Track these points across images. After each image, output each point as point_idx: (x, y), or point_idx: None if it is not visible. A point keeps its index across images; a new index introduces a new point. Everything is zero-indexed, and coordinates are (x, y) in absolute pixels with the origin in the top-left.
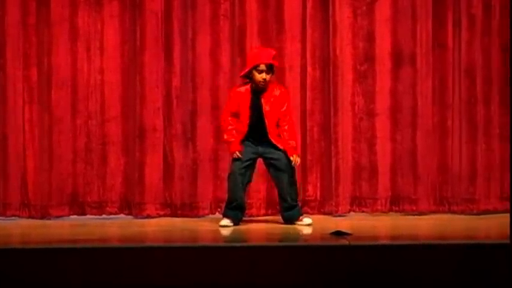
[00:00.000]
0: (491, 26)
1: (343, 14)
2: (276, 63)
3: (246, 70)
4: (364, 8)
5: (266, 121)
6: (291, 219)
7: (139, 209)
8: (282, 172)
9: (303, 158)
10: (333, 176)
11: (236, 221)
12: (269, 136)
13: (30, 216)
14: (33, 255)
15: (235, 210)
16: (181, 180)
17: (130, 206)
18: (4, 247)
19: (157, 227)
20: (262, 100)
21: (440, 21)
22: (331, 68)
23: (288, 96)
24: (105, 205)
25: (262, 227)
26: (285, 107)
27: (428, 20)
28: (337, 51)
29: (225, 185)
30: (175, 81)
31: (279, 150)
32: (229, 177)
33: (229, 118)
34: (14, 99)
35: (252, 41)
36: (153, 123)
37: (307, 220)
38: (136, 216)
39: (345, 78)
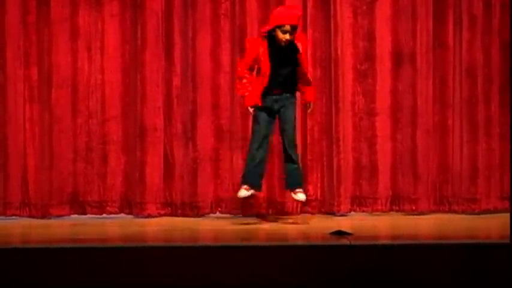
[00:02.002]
0: (491, 25)
1: (343, 14)
2: (300, 24)
3: (270, 28)
4: (365, 7)
5: (288, 68)
6: (288, 185)
7: (140, 209)
8: (284, 125)
9: (304, 157)
10: (334, 175)
11: (257, 187)
12: (297, 80)
13: (31, 216)
14: (34, 254)
15: (255, 175)
16: (182, 179)
17: (131, 205)
18: (4, 246)
19: (157, 227)
20: (297, 44)
21: (440, 21)
22: (332, 67)
23: (306, 41)
24: (106, 204)
25: (263, 227)
26: (302, 53)
27: (429, 19)
28: (338, 51)
29: (226, 184)
30: (176, 81)
31: (290, 102)
32: (254, 139)
33: (246, 71)
34: (14, 99)
35: None
36: (154, 123)
37: (301, 196)
38: (136, 216)
39: (346, 77)
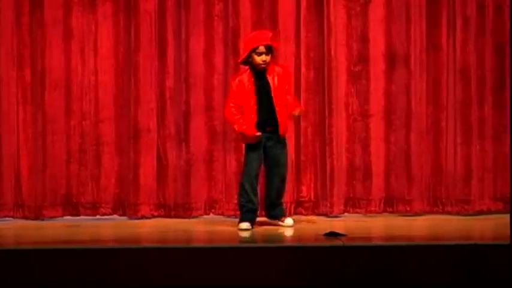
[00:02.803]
0: (485, 26)
1: (337, 15)
2: (274, 44)
3: (245, 55)
4: (358, 9)
5: (274, 100)
6: (274, 218)
7: (133, 210)
8: (277, 168)
9: (297, 158)
10: (327, 176)
11: (253, 224)
12: (277, 115)
13: (24, 217)
14: (27, 256)
15: (252, 212)
16: (175, 181)
17: (124, 206)
18: None
19: (151, 228)
20: (268, 80)
21: (434, 22)
22: (325, 69)
23: (290, 73)
24: (99, 206)
25: (257, 228)
26: (288, 85)
27: (422, 21)
28: (332, 52)
29: (219, 186)
30: (169, 82)
31: (282, 144)
32: (244, 178)
33: (234, 109)
34: (7, 100)
35: None
36: (147, 124)
37: (288, 221)
38: (130, 217)
39: (339, 79)
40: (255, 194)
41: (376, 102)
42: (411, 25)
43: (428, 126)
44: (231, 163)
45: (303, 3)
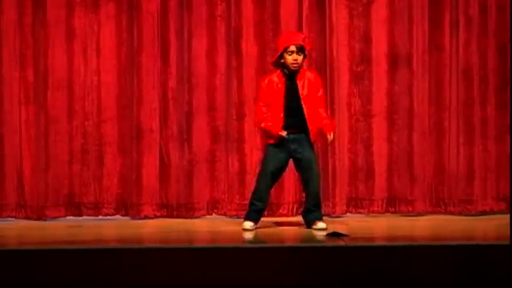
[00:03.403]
0: (487, 27)
1: (339, 15)
2: (307, 46)
3: (278, 55)
4: (360, 9)
5: (304, 105)
6: (307, 222)
7: (136, 210)
8: (309, 171)
9: None
10: (330, 177)
11: (257, 223)
12: (307, 121)
13: (27, 217)
14: (30, 256)
15: (259, 212)
16: (178, 181)
17: (127, 206)
18: (0, 248)
19: (153, 228)
20: (298, 84)
21: (436, 22)
22: (327, 69)
23: (320, 80)
24: (102, 206)
25: (259, 228)
26: (320, 92)
27: (425, 21)
28: (334, 53)
29: (222, 186)
30: (172, 82)
31: (309, 146)
32: (260, 175)
33: (264, 108)
34: (10, 100)
35: (248, 42)
36: (150, 124)
37: (321, 225)
38: (132, 217)
39: (341, 79)
40: (268, 193)
41: (379, 103)
42: (413, 25)
43: (431, 127)
44: (233, 163)
45: (305, 4)
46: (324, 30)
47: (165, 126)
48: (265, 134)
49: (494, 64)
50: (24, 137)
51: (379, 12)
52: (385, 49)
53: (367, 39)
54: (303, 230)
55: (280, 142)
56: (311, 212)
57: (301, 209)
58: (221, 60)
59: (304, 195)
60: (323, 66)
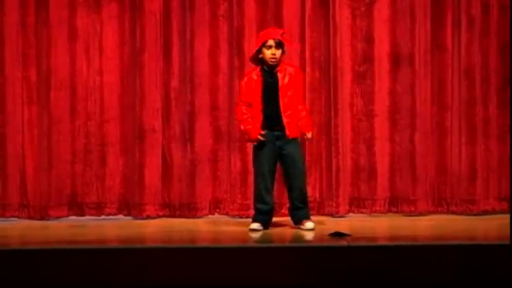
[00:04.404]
0: (489, 26)
1: (342, 15)
2: (285, 41)
3: (256, 50)
4: (363, 8)
5: (280, 99)
6: (295, 221)
7: (138, 210)
8: (292, 168)
9: None
10: (333, 177)
11: (266, 225)
12: (283, 115)
13: (29, 217)
14: (32, 256)
15: (264, 214)
16: (180, 180)
17: (129, 206)
18: (3, 248)
19: (156, 228)
20: (279, 78)
21: (438, 22)
22: (330, 69)
23: (301, 75)
24: (104, 206)
25: (261, 228)
26: (299, 87)
27: (427, 20)
28: (337, 52)
29: (224, 185)
30: (174, 82)
31: (293, 143)
32: (256, 178)
33: (244, 108)
34: (13, 100)
35: (251, 42)
36: (152, 124)
37: (308, 225)
38: (135, 217)
39: (344, 79)
40: (270, 194)
41: (381, 102)
42: (416, 25)
43: (433, 126)
44: (235, 163)
45: (308, 4)
46: (326, 30)
47: (167, 126)
48: (246, 136)
49: (496, 64)
50: (26, 137)
51: (382, 12)
52: (388, 49)
53: (369, 39)
54: (305, 230)
55: (261, 144)
56: (298, 209)
57: (288, 206)
58: (223, 60)
59: (287, 192)
60: (326, 66)
